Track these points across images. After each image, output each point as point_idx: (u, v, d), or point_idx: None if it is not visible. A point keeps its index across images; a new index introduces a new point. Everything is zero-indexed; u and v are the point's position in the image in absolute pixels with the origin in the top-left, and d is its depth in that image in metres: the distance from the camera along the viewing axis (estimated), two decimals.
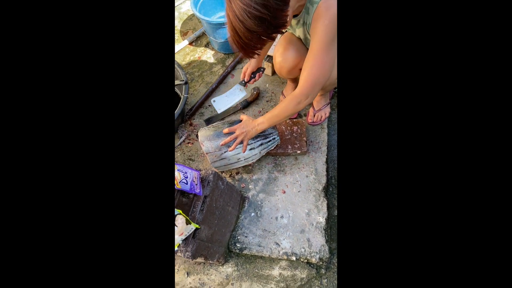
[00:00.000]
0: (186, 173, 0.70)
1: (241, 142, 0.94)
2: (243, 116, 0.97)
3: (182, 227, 0.64)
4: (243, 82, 1.11)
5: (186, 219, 0.64)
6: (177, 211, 0.61)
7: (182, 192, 0.73)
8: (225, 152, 0.96)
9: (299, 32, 0.90)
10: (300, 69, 0.89)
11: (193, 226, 0.68)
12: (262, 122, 0.91)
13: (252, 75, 1.10)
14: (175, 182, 0.66)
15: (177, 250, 0.67)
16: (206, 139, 0.97)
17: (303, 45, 0.94)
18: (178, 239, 0.65)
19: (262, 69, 1.11)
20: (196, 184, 0.73)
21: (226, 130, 0.94)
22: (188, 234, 0.67)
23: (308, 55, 0.76)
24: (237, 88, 1.10)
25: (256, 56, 0.78)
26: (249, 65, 1.09)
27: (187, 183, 0.69)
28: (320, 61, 0.74)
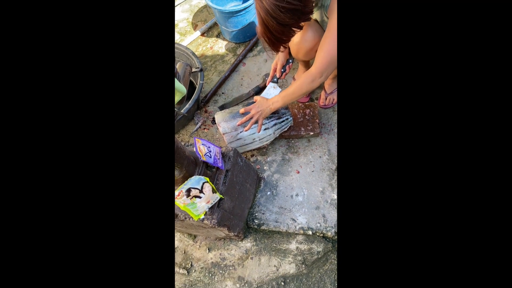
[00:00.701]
0: (209, 147, 0.75)
1: (256, 122, 0.98)
2: (256, 97, 1.01)
3: (208, 195, 0.68)
4: (276, 79, 1.11)
5: (213, 188, 0.69)
6: (204, 178, 0.66)
7: (207, 165, 0.77)
8: (241, 132, 1.00)
9: (316, 15, 0.93)
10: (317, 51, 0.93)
11: (217, 196, 0.72)
12: (276, 100, 0.95)
13: (282, 70, 1.11)
14: (201, 155, 0.71)
15: (203, 218, 0.72)
16: (223, 120, 1.01)
17: (320, 27, 0.97)
18: (205, 206, 0.69)
19: (290, 61, 1.11)
20: (219, 159, 0.78)
21: (242, 110, 0.98)
22: (214, 203, 0.72)
23: (326, 34, 0.79)
24: (271, 86, 1.10)
25: (282, 49, 0.82)
26: (278, 60, 1.09)
27: (211, 157, 0.74)
28: (334, 38, 0.77)
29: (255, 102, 1.02)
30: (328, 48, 0.79)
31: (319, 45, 0.82)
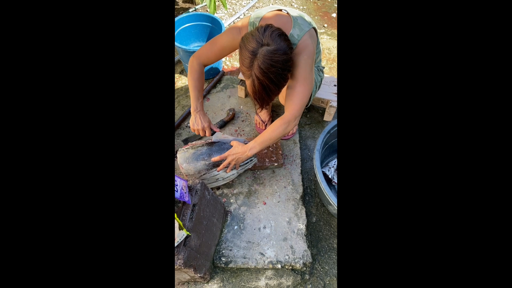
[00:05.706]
0: (176, 181, 0.72)
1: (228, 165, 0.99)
2: (233, 142, 1.03)
3: (175, 233, 0.64)
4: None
5: (179, 224, 0.65)
6: None
7: None
8: (204, 174, 1.00)
9: None
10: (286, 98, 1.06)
11: (184, 233, 0.68)
12: (253, 146, 0.97)
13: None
14: None
15: None
16: (185, 161, 1.00)
17: None
18: None
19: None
20: (185, 193, 0.75)
21: (217, 158, 0.98)
22: (180, 241, 0.67)
23: (294, 84, 0.90)
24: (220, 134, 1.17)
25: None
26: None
27: (177, 191, 0.71)
28: (305, 87, 0.90)
29: (220, 141, 1.05)
30: (299, 95, 0.90)
31: (288, 94, 0.92)
